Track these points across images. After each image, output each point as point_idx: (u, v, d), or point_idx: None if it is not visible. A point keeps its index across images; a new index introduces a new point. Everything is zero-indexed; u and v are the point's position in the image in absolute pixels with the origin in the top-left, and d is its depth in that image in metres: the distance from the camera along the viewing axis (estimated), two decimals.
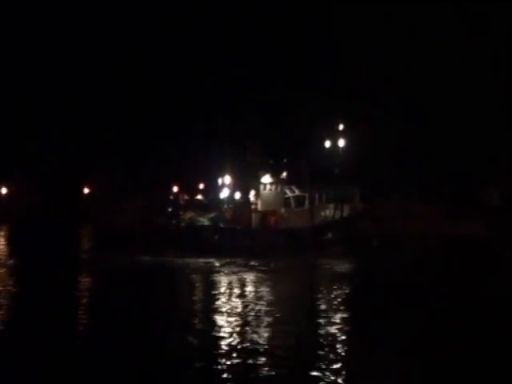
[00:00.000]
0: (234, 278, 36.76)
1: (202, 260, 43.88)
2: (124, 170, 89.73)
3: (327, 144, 50.07)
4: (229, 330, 22.78)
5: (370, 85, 78.73)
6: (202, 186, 61.59)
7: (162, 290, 32.35)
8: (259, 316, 25.30)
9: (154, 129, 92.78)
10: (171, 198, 60.79)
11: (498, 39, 78.75)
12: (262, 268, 40.66)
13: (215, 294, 30.47)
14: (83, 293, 31.39)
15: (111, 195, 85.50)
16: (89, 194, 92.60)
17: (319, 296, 29.92)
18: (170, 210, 55.82)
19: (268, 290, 32.20)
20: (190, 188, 62.74)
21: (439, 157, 78.12)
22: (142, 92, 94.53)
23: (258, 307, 27.03)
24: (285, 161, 50.95)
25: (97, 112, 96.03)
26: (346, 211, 48.77)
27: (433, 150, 78.43)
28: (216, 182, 53.47)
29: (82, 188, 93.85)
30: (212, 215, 49.99)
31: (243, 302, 28.31)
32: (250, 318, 24.85)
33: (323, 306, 27.44)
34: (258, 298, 29.49)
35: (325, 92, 76.52)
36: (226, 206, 50.88)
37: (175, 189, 63.79)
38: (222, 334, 21.98)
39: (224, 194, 51.33)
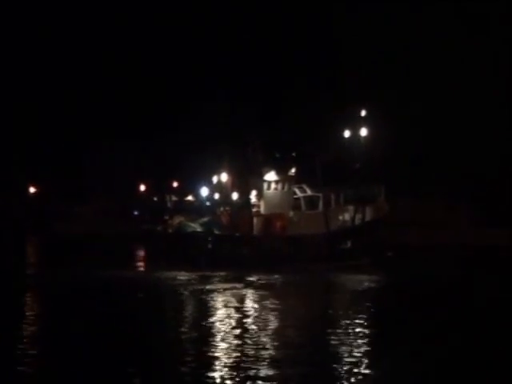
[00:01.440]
0: (229, 300, 31.23)
1: (190, 274, 39.74)
2: (77, 168, 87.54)
3: (346, 134, 45.14)
4: None
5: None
6: (175, 185, 56.22)
7: (127, 320, 26.21)
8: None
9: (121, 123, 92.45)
10: (155, 199, 55.44)
11: (498, 39, 77.95)
12: (266, 284, 36.75)
13: (199, 328, 24.22)
14: (26, 321, 25.51)
15: (62, 197, 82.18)
16: (36, 194, 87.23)
17: (335, 326, 24.61)
18: (136, 213, 50.29)
19: (270, 316, 26.75)
20: (161, 187, 58.02)
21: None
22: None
23: (252, 351, 20.37)
24: (293, 154, 46.32)
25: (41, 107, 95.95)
26: (369, 214, 44.40)
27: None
28: (207, 181, 47.94)
29: (28, 188, 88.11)
30: (205, 220, 45.15)
31: (237, 342, 21.76)
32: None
33: (339, 343, 21.71)
34: (253, 335, 22.98)
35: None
36: (221, 209, 45.95)
37: (142, 188, 59.55)
38: None
39: (203, 192, 47.03)
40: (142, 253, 45.62)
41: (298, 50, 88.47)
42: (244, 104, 71.89)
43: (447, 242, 58.86)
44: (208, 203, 46.65)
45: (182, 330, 24.07)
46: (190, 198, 49.05)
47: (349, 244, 43.99)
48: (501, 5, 76.02)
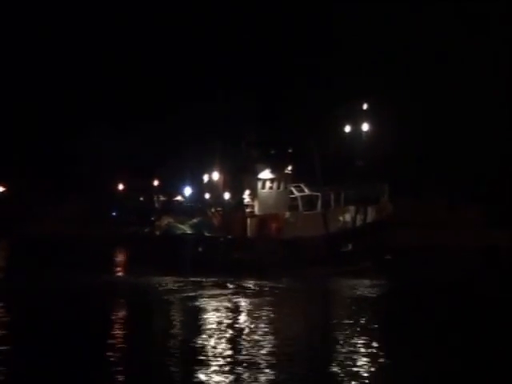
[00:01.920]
0: (218, 307, 29.43)
1: (178, 279, 37.90)
2: (49, 167, 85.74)
3: (347, 129, 43.50)
4: None
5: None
6: (156, 183, 55.21)
7: (111, 327, 24.65)
8: None
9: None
10: (141, 199, 53.68)
11: (498, 39, 78.59)
12: (259, 291, 35.17)
13: (184, 338, 22.75)
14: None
15: (33, 198, 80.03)
16: (3, 194, 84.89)
17: (334, 332, 24.06)
18: (114, 214, 49.15)
19: (265, 329, 24.66)
20: (142, 186, 56.36)
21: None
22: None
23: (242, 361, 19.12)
24: (290, 150, 44.49)
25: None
26: (371, 215, 43.02)
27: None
28: (195, 179, 46.54)
29: None
30: (195, 221, 43.82)
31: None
32: None
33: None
34: (242, 346, 21.41)
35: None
36: (213, 210, 44.09)
37: (121, 187, 58.10)
38: None
39: (187, 192, 45.70)
40: (126, 257, 43.57)
41: (297, 49, 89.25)
42: (244, 104, 72.95)
43: (447, 243, 58.37)
44: (198, 203, 44.85)
45: (168, 339, 22.69)
46: (179, 197, 47.06)
47: (349, 247, 42.73)
48: (501, 5, 76.59)
